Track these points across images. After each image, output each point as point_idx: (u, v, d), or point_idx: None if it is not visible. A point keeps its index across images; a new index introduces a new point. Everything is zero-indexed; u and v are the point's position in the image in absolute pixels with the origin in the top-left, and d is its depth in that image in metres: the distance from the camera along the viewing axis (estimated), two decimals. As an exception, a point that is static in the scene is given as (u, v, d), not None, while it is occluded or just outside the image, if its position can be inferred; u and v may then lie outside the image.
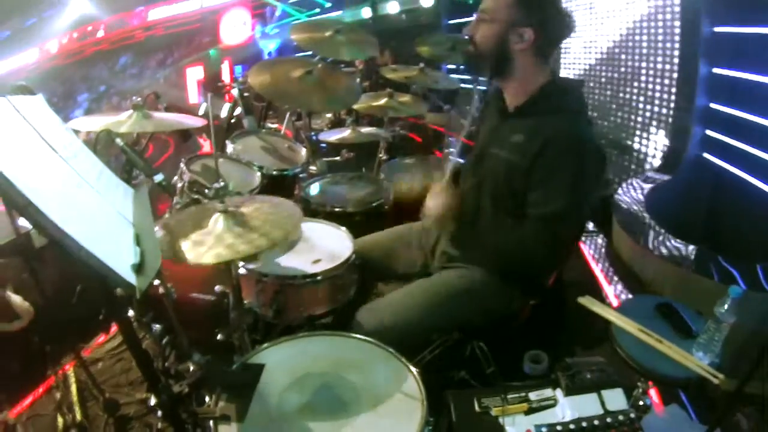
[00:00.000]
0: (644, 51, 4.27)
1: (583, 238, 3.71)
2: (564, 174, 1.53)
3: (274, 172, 2.39)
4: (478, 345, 1.84)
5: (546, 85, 1.65)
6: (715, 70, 3.65)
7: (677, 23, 3.86)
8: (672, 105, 4.01)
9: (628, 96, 4.54)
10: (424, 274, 1.89)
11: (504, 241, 1.66)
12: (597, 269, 3.36)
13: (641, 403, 1.44)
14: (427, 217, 1.77)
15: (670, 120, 4.05)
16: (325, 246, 1.92)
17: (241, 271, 1.75)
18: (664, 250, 3.10)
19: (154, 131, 2.04)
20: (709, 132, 3.79)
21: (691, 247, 3.11)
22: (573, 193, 1.53)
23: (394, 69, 3.82)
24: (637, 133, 4.44)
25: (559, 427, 1.22)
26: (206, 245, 1.28)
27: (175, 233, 1.32)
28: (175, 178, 2.10)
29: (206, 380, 1.24)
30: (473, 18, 1.70)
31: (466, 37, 1.70)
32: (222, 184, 1.67)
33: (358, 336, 1.47)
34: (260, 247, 1.28)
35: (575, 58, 5.47)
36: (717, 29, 3.56)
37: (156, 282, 1.53)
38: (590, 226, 3.83)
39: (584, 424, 1.22)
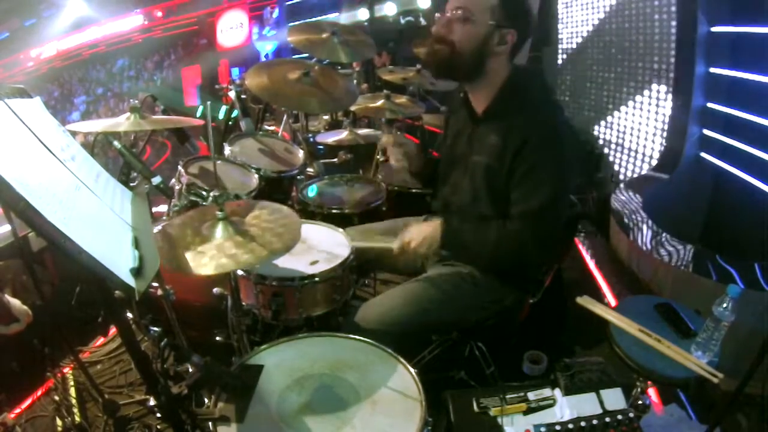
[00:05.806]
0: (641, 51, 4.28)
1: (581, 238, 3.72)
2: (545, 168, 1.52)
3: (272, 174, 2.39)
4: (477, 345, 1.84)
5: (509, 81, 1.62)
6: (713, 70, 3.66)
7: (673, 23, 3.87)
8: (669, 105, 4.02)
9: (624, 96, 4.55)
10: (422, 270, 1.89)
11: (491, 243, 1.62)
12: (595, 269, 3.36)
13: (640, 402, 1.45)
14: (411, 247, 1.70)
15: (668, 120, 4.05)
16: (323, 247, 1.92)
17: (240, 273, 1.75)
18: (662, 250, 3.11)
19: (153, 129, 2.03)
20: (706, 131, 3.79)
21: (689, 247, 3.11)
22: (556, 184, 1.53)
23: (391, 70, 3.83)
24: (635, 132, 4.44)
25: (557, 427, 1.23)
26: (207, 255, 1.27)
27: (175, 242, 1.32)
28: (173, 180, 2.10)
29: (205, 381, 1.24)
30: (445, 15, 1.58)
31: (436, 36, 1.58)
32: (220, 192, 1.66)
33: (357, 337, 1.47)
34: (261, 257, 1.27)
35: (572, 58, 5.48)
36: (714, 29, 3.57)
37: (155, 284, 1.53)
38: (588, 226, 3.84)
39: (583, 423, 1.23)
